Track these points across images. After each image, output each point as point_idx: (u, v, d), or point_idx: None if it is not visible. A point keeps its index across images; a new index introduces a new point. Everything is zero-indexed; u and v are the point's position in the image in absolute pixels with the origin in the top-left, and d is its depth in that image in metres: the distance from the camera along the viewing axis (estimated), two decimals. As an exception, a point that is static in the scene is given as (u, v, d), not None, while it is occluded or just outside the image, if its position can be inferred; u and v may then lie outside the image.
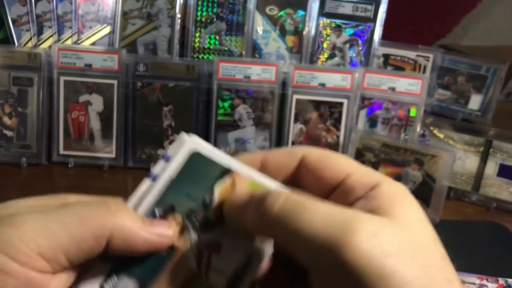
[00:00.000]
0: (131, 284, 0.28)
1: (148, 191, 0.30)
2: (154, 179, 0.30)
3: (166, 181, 0.30)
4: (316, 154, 0.29)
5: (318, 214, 0.24)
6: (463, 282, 0.63)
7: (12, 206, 0.28)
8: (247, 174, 0.30)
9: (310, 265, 0.24)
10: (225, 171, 0.30)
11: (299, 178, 0.30)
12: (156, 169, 0.30)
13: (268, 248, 0.30)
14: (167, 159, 0.30)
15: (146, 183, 0.30)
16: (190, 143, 0.30)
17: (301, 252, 0.24)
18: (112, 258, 0.28)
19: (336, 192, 0.28)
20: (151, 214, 0.29)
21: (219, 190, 0.30)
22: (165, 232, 0.28)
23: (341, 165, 0.28)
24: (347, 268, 0.22)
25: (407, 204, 0.25)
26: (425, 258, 0.23)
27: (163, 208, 0.29)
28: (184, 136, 0.30)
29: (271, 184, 0.30)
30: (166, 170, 0.30)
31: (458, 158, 0.87)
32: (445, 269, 0.24)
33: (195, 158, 0.30)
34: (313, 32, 0.95)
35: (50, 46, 0.88)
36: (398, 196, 0.25)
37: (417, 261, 0.22)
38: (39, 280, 0.26)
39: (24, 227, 0.25)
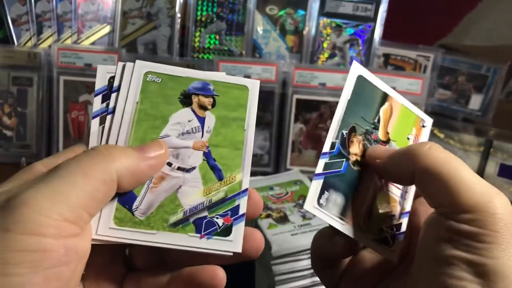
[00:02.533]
0: (339, 197, 0.33)
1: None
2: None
3: (344, 103, 0.33)
4: (461, 169, 0.31)
5: (473, 175, 0.29)
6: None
7: (4, 191, 0.27)
8: (399, 99, 0.36)
9: (453, 212, 0.28)
10: (385, 96, 0.36)
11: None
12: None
13: None
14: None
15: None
16: (356, 67, 0.34)
17: (450, 199, 0.28)
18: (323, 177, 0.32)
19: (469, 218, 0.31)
20: (340, 136, 0.33)
21: (382, 113, 0.35)
22: (158, 152, 0.30)
23: (484, 192, 0.31)
24: (495, 218, 0.27)
25: None
26: None
27: (347, 130, 0.34)
28: (352, 63, 0.35)
29: (416, 110, 0.37)
30: (343, 93, 0.34)
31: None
32: None
33: (360, 81, 0.34)
34: (313, 31, 0.95)
35: (49, 46, 0.88)
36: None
37: None
38: (75, 244, 0.26)
39: (37, 201, 0.25)
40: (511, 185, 0.85)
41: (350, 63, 0.96)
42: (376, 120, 0.35)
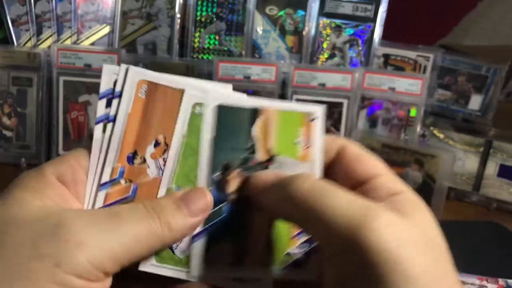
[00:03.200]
0: (228, 244, 0.30)
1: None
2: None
3: (206, 145, 0.31)
4: (355, 148, 0.31)
5: (342, 198, 0.25)
6: (463, 283, 0.62)
7: (54, 212, 0.26)
8: (273, 106, 0.32)
9: (329, 245, 0.25)
10: (254, 112, 0.32)
11: (332, 167, 0.31)
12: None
13: None
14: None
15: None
16: (212, 99, 0.31)
17: (322, 232, 0.25)
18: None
19: (361, 188, 0.29)
20: (213, 182, 0.30)
21: (257, 132, 0.31)
22: (202, 205, 0.29)
23: (374, 165, 0.30)
24: (365, 249, 0.23)
25: (424, 211, 0.27)
26: (437, 252, 0.25)
27: (221, 171, 0.30)
28: (209, 93, 0.31)
29: (300, 107, 0.32)
30: (202, 134, 0.31)
31: (458, 159, 0.87)
32: (452, 266, 0.25)
33: (223, 111, 0.31)
34: (313, 32, 0.95)
35: (49, 46, 0.88)
36: (417, 204, 0.27)
37: (430, 254, 0.24)
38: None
39: (87, 246, 0.25)
40: (511, 186, 0.85)
41: (350, 63, 0.96)
42: (249, 144, 0.31)
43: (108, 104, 0.30)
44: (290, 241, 0.32)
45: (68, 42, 0.91)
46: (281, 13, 0.94)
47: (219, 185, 0.31)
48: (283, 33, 0.94)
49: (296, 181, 0.27)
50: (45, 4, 0.90)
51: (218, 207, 0.30)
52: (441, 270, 0.24)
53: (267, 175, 0.30)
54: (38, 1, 0.89)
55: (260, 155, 0.31)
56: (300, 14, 0.94)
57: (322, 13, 0.95)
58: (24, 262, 0.24)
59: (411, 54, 0.98)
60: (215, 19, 0.93)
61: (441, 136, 0.91)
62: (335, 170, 0.31)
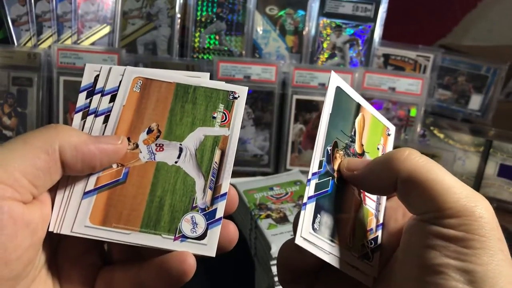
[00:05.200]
0: (329, 218, 0.32)
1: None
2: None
3: (326, 117, 0.32)
4: (440, 174, 0.32)
5: (451, 176, 0.29)
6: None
7: None
8: (369, 109, 0.36)
9: (432, 211, 0.28)
10: (358, 106, 0.35)
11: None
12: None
13: None
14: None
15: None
16: (334, 79, 0.33)
17: (429, 199, 0.28)
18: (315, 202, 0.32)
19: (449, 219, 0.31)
20: (326, 153, 0.32)
21: (357, 124, 0.35)
22: (113, 140, 0.31)
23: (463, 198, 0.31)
24: (479, 218, 0.27)
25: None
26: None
27: (332, 146, 0.33)
28: (331, 74, 0.33)
29: (383, 119, 0.37)
30: (325, 107, 0.33)
31: (458, 158, 0.87)
32: None
33: (338, 93, 0.33)
34: (313, 32, 0.95)
35: (49, 46, 0.88)
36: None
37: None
38: (10, 208, 0.26)
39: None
40: (511, 185, 0.85)
41: (350, 63, 0.96)
42: (352, 133, 0.34)
43: (88, 96, 0.33)
44: (367, 232, 0.34)
45: (68, 42, 0.91)
46: (281, 13, 0.94)
47: (328, 159, 0.32)
48: (283, 33, 0.94)
49: (409, 155, 0.30)
50: (46, 4, 0.90)
51: (327, 178, 0.32)
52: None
53: (362, 159, 0.34)
54: (39, 1, 0.89)
55: (357, 147, 0.34)
56: (300, 14, 0.94)
57: (322, 13, 0.95)
58: None
59: (411, 54, 0.98)
60: (215, 19, 0.93)
61: (441, 136, 0.91)
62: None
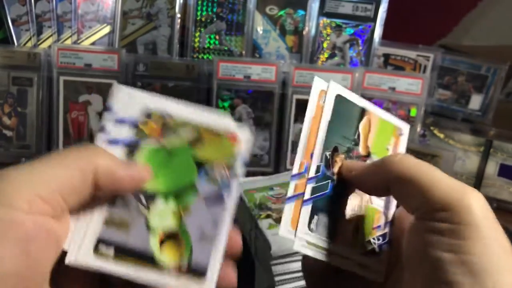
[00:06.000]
0: (327, 218, 0.33)
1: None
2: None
3: (325, 125, 0.34)
4: (431, 171, 0.33)
5: (442, 174, 0.29)
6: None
7: None
8: (376, 113, 0.37)
9: (427, 207, 0.28)
10: (363, 111, 0.36)
11: None
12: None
13: None
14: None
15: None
16: (334, 88, 0.34)
17: (422, 197, 0.29)
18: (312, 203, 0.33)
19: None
20: (324, 158, 0.34)
21: (362, 128, 0.36)
22: (142, 170, 0.31)
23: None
24: (468, 210, 0.27)
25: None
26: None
27: (331, 151, 0.34)
28: (329, 83, 0.34)
29: (393, 120, 0.38)
30: (324, 115, 0.34)
31: (459, 158, 0.87)
32: None
33: (339, 100, 0.35)
34: (313, 31, 0.95)
35: (49, 46, 0.88)
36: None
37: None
38: (45, 222, 0.26)
39: (15, 179, 0.26)
40: (511, 185, 0.85)
41: (350, 63, 0.96)
42: (356, 136, 0.36)
43: (125, 129, 0.32)
44: (373, 230, 0.35)
45: (68, 42, 0.91)
46: (281, 13, 0.94)
47: (327, 163, 0.34)
48: (283, 33, 0.94)
49: (402, 158, 0.31)
50: (46, 4, 0.90)
51: (325, 182, 0.34)
52: None
53: (362, 162, 0.35)
54: (39, 1, 0.89)
55: (361, 149, 0.36)
56: (300, 14, 0.94)
57: (322, 13, 0.95)
58: None
59: (411, 54, 0.98)
60: (215, 19, 0.93)
61: (441, 136, 0.91)
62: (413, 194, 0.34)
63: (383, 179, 0.31)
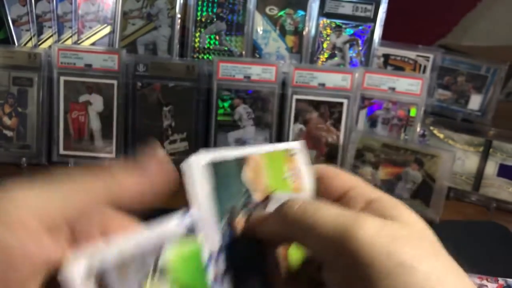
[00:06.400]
0: (250, 277, 0.31)
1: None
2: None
3: (209, 200, 0.31)
4: (330, 168, 0.33)
5: (330, 211, 0.27)
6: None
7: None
8: (257, 152, 0.34)
9: (324, 254, 0.26)
10: (241, 162, 0.33)
11: (315, 190, 0.34)
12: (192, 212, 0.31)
13: None
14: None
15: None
16: (195, 163, 0.31)
17: (316, 245, 0.27)
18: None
19: (340, 202, 0.30)
20: (225, 233, 0.31)
21: (247, 177, 0.33)
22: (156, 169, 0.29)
23: (348, 179, 0.32)
24: (356, 250, 0.24)
25: (408, 211, 0.28)
26: (434, 246, 0.25)
27: (229, 216, 0.31)
28: (190, 161, 0.30)
29: (279, 146, 0.34)
30: (199, 193, 0.31)
31: (458, 158, 0.87)
32: (448, 257, 0.25)
33: (211, 168, 0.31)
34: (313, 32, 0.95)
35: (50, 46, 0.88)
36: (398, 206, 0.28)
37: (426, 247, 0.25)
38: (36, 250, 0.24)
39: (21, 201, 0.25)
40: (510, 185, 0.85)
41: (350, 63, 0.96)
42: (244, 189, 0.33)
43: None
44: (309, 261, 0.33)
45: (69, 42, 0.91)
46: (281, 13, 0.94)
47: (230, 230, 0.31)
48: (283, 33, 0.95)
49: (288, 204, 0.29)
50: (46, 4, 0.90)
51: (235, 249, 0.31)
52: (441, 262, 0.24)
53: (262, 212, 0.32)
54: (39, 1, 0.89)
55: (257, 196, 0.33)
56: (300, 14, 0.94)
57: (322, 13, 0.95)
58: None
59: (411, 54, 0.98)
60: (215, 19, 0.93)
61: (441, 136, 0.91)
62: (318, 192, 0.33)
63: (279, 230, 0.29)
